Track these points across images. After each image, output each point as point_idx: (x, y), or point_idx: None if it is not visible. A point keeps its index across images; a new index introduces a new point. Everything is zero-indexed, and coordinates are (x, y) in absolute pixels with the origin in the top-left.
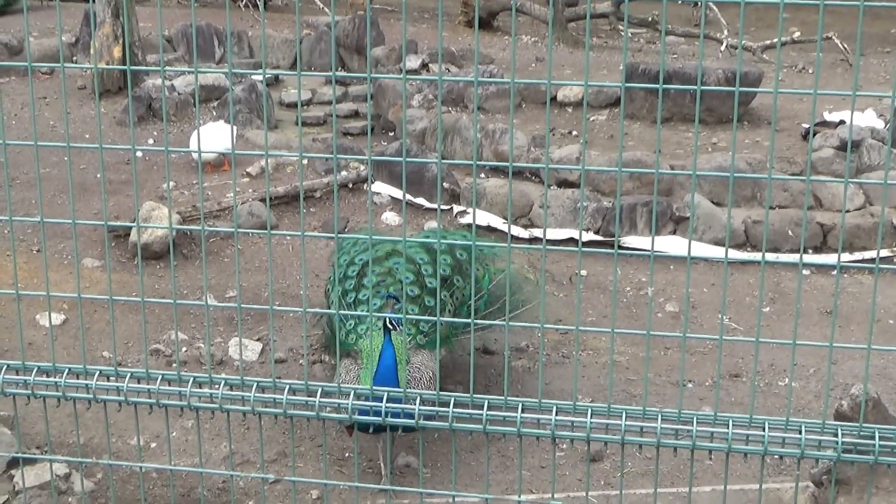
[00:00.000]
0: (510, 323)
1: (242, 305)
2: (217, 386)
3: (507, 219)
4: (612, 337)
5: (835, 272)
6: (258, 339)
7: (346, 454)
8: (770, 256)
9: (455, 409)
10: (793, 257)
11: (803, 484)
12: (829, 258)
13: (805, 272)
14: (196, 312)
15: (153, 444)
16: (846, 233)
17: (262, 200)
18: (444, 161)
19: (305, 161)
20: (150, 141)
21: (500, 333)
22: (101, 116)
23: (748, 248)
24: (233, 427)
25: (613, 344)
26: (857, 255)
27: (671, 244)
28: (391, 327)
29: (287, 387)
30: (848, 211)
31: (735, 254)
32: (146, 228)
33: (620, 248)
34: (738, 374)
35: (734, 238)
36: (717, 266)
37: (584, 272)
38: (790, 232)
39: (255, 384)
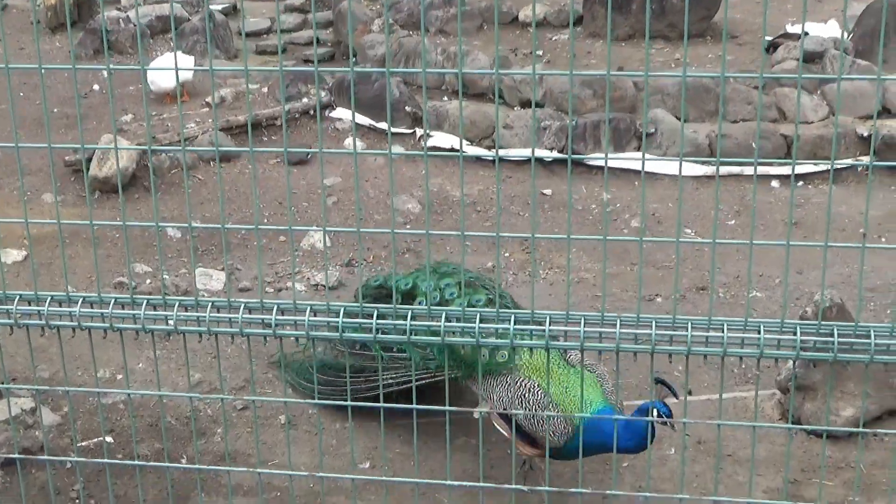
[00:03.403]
0: (466, 233)
1: (226, 226)
2: (172, 308)
3: (471, 141)
4: (568, 243)
5: (799, 183)
6: (222, 269)
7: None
8: (735, 169)
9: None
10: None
11: (770, 391)
12: (791, 169)
13: (774, 184)
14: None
15: (119, 377)
16: (810, 143)
17: (223, 130)
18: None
19: (265, 89)
20: (107, 74)
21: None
22: (56, 51)
23: (712, 162)
24: (200, 357)
25: (570, 251)
26: (821, 166)
27: (634, 160)
28: (660, 418)
29: (242, 305)
30: (812, 122)
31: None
32: (105, 162)
33: (583, 164)
34: (704, 287)
35: (699, 152)
36: (683, 181)
37: (548, 191)
38: (754, 144)
39: (210, 304)
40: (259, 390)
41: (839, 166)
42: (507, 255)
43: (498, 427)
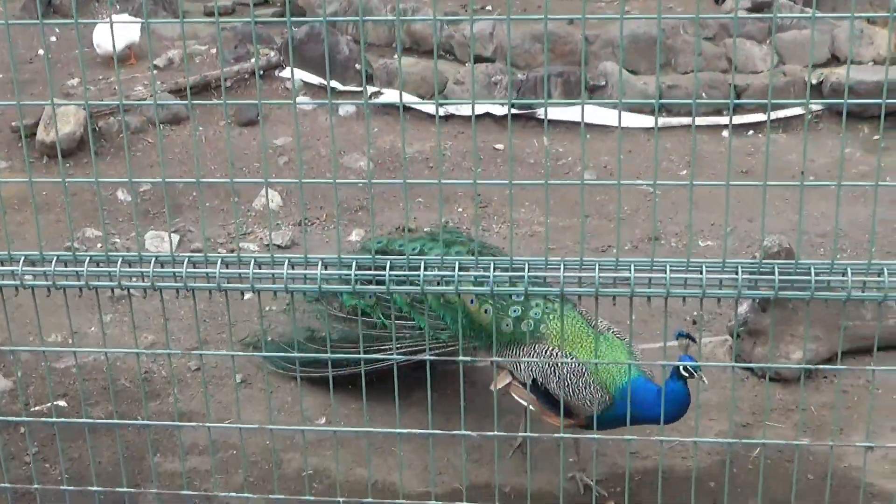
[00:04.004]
0: (409, 181)
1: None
2: (115, 264)
3: (422, 97)
4: (509, 188)
5: (749, 132)
6: (175, 231)
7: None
8: (685, 119)
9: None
10: (707, 120)
11: (721, 338)
12: (742, 118)
13: (724, 134)
14: (109, 209)
15: (70, 341)
16: (759, 93)
17: (172, 92)
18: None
19: (214, 50)
20: (53, 38)
21: None
22: None
23: (663, 114)
24: (154, 319)
25: (512, 199)
26: (772, 115)
27: (586, 113)
28: (686, 375)
29: (186, 259)
30: (761, 71)
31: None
32: (52, 127)
33: (534, 118)
34: (657, 238)
35: (650, 104)
36: (633, 133)
37: (500, 146)
38: (704, 95)
39: (154, 259)
40: (214, 349)
41: (789, 114)
42: (459, 209)
43: (519, 399)
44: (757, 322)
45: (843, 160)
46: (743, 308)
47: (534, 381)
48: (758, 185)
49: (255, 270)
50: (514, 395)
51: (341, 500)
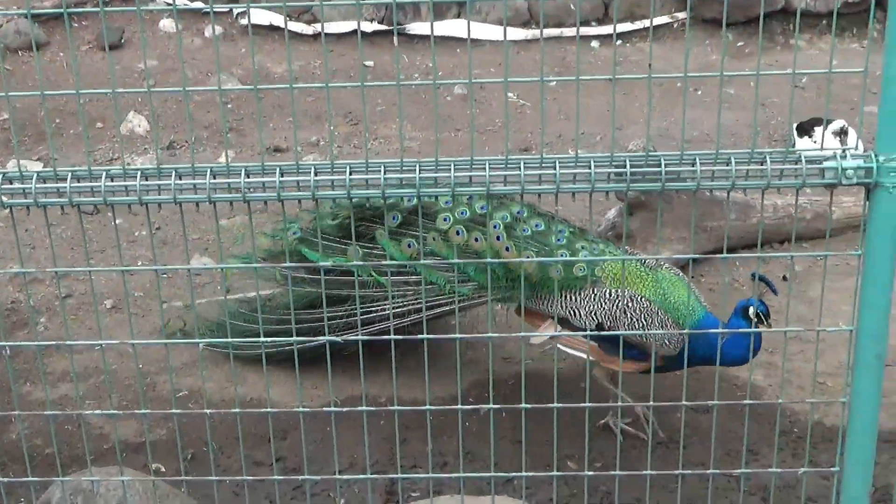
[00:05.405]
0: (259, 86)
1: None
2: None
3: (290, 16)
4: (362, 89)
5: (618, 42)
6: (38, 160)
7: (139, 262)
8: (555, 31)
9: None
10: (575, 30)
11: None
12: (610, 28)
13: (594, 44)
14: None
15: None
16: (627, 3)
17: (33, 18)
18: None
19: None
20: None
21: None
22: None
23: (532, 26)
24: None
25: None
26: (638, 24)
27: (456, 27)
28: (757, 319)
29: (69, 175)
30: None
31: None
32: None
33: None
34: (527, 148)
35: (518, 17)
36: (503, 47)
37: (370, 62)
38: (572, 6)
39: (36, 175)
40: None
41: (655, 23)
42: (332, 128)
43: (570, 350)
44: (622, 227)
45: (688, 52)
46: (611, 213)
47: (598, 325)
48: (607, 77)
49: (141, 182)
50: (562, 346)
51: (209, 411)
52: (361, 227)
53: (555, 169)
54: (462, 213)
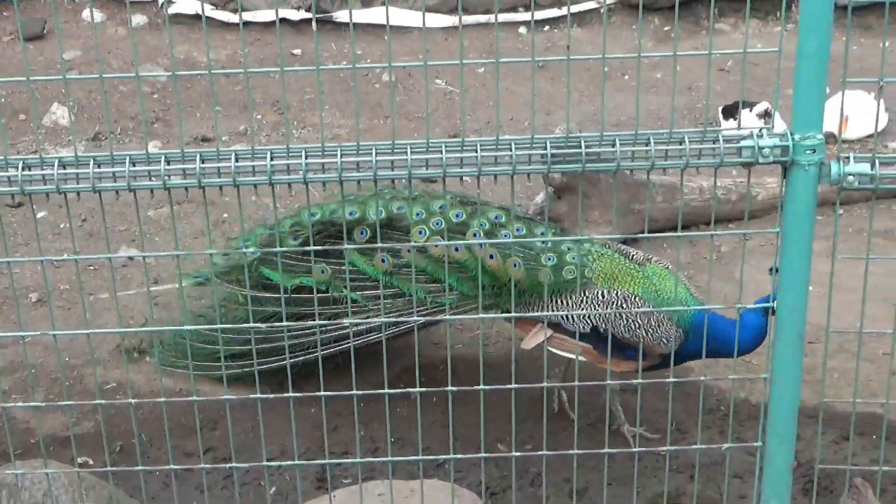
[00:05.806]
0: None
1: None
2: None
3: (215, 5)
4: (282, 76)
5: (545, 28)
6: None
7: (64, 254)
8: (482, 18)
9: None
10: (504, 16)
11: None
12: (539, 14)
13: (521, 30)
14: None
15: None
16: None
17: None
18: None
19: None
20: None
21: None
22: None
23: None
24: None
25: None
26: (566, 10)
27: (383, 15)
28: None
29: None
30: None
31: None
32: None
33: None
34: (456, 135)
35: (447, 3)
36: (432, 33)
37: (297, 51)
38: None
39: None
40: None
41: (583, 9)
42: (259, 117)
43: (562, 352)
44: (553, 209)
45: (605, 34)
46: (539, 197)
47: (593, 328)
48: (526, 60)
49: (59, 171)
50: (554, 349)
51: (133, 401)
52: (328, 243)
53: (476, 152)
54: (437, 224)
